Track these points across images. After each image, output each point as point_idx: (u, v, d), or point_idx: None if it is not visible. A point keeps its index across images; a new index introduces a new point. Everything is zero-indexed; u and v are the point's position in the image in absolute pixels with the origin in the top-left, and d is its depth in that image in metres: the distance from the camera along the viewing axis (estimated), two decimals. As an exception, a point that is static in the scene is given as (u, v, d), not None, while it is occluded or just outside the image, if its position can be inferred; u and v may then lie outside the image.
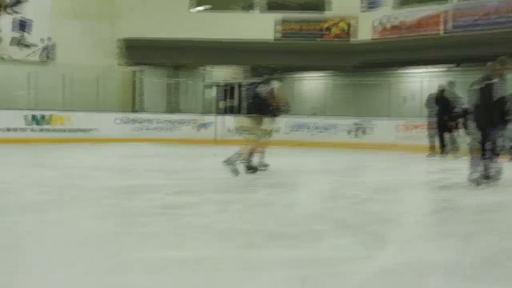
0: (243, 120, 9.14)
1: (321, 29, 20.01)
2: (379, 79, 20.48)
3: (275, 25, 20.04)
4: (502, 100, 7.50)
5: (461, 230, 4.79)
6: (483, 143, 7.63)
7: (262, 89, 8.94)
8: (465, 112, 13.29)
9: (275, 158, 11.89)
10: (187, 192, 6.66)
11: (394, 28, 18.64)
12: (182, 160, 11.97)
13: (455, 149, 13.70)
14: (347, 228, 4.80)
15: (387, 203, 6.38)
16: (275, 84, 9.11)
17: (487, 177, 7.58)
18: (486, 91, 7.54)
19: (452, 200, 6.67)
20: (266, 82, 9.04)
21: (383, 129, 17.74)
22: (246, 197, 6.56)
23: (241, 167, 8.56)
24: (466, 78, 18.52)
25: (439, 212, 6.03)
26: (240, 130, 9.71)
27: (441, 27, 17.54)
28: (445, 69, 19.29)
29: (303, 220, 5.11)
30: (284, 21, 20.04)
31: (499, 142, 7.61)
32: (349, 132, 18.52)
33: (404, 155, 14.02)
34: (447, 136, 13.77)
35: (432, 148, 13.88)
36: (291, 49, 19.82)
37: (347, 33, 19.85)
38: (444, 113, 13.67)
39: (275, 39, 20.04)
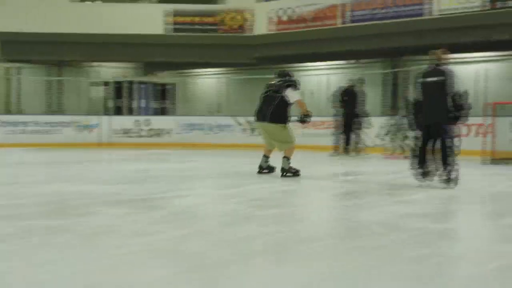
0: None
1: (216, 22, 18.76)
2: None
3: (166, 17, 18.58)
4: (458, 93, 6.75)
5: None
6: (433, 141, 6.94)
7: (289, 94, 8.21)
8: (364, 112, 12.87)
9: (155, 164, 11.02)
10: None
11: (291, 20, 17.72)
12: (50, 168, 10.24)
13: (358, 148, 12.91)
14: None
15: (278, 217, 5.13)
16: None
17: (448, 180, 6.79)
18: (439, 84, 6.77)
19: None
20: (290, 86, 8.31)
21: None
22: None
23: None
24: (369, 72, 18.30)
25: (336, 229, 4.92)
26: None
27: (339, 19, 16.77)
28: (346, 63, 18.66)
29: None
30: (175, 13, 18.61)
31: (455, 140, 6.88)
32: (246, 131, 17.36)
33: (307, 154, 13.05)
34: (353, 134, 12.96)
35: (336, 146, 13.01)
36: (183, 43, 18.42)
37: (243, 26, 18.70)
38: (352, 110, 12.86)
39: (165, 33, 18.57)
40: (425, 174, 7.03)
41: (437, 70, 6.89)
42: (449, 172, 6.76)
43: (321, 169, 10.14)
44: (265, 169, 8.52)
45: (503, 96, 14.55)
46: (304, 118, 8.45)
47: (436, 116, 6.85)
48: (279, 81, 8.38)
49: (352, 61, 18.30)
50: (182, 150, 15.37)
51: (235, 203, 5.66)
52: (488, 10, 14.27)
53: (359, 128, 13.00)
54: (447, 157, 6.75)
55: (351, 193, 6.81)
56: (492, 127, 11.57)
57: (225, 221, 4.67)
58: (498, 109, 11.41)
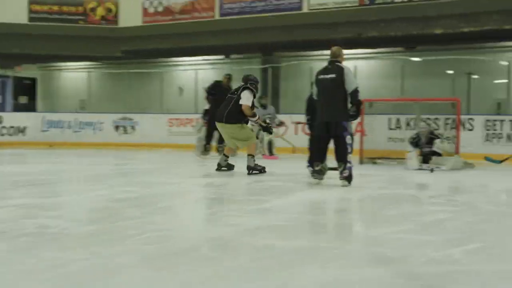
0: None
1: (79, 12, 17.36)
2: (150, 69, 18.58)
3: (30, 4, 16.92)
4: (353, 90, 6.73)
5: None
6: (332, 139, 6.89)
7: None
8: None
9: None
10: None
11: (158, 12, 16.73)
12: None
13: (223, 147, 12.21)
14: None
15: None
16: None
17: (349, 178, 6.77)
18: (338, 79, 6.72)
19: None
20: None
21: (154, 124, 15.82)
22: None
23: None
24: (239, 68, 17.75)
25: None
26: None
27: (209, 12, 16.04)
28: (216, 58, 17.98)
29: None
30: (32, 1, 17.01)
31: (348, 139, 6.84)
32: (116, 128, 16.26)
33: (177, 153, 12.26)
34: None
35: (206, 146, 12.24)
36: (48, 34, 16.85)
37: (114, 15, 17.42)
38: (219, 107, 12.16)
39: (30, 22, 16.90)
40: (321, 172, 6.98)
41: (333, 67, 6.85)
42: (350, 170, 6.75)
43: (185, 171, 9.34)
44: (224, 167, 8.73)
45: (374, 95, 14.56)
46: (266, 128, 9.11)
47: (332, 113, 6.82)
48: (241, 85, 8.69)
49: (223, 56, 17.62)
50: (41, 149, 14.00)
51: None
52: (358, 6, 14.16)
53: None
54: (346, 154, 6.72)
55: (212, 199, 6.06)
56: (361, 125, 11.37)
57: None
58: (366, 106, 11.18)
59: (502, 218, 4.97)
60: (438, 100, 12.06)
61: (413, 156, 10.00)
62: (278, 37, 15.30)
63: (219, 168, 8.77)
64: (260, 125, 9.20)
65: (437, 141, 10.47)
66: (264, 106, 12.08)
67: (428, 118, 12.20)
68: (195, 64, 18.17)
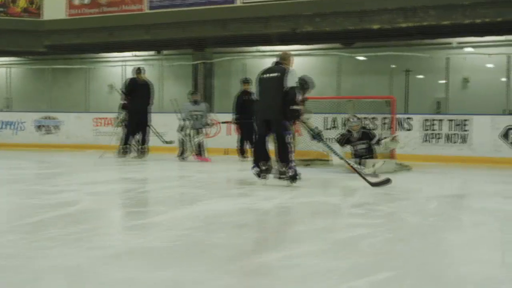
0: None
1: (5, 2, 16.06)
2: (75, 65, 17.45)
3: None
4: (293, 92, 6.61)
5: None
6: (274, 138, 6.83)
7: None
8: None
9: None
10: None
11: (93, 3, 15.60)
12: None
13: (144, 148, 11.32)
14: None
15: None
16: None
17: (293, 177, 6.71)
18: (280, 78, 6.66)
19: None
20: None
21: (80, 124, 14.76)
22: None
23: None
24: (171, 64, 16.85)
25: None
26: None
27: (138, 5, 15.04)
28: (148, 54, 17.00)
29: None
30: None
31: (288, 138, 6.74)
32: (39, 128, 15.15)
33: (103, 154, 11.26)
34: (140, 131, 11.34)
35: (124, 146, 11.30)
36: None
37: (37, 8, 16.17)
38: (142, 104, 11.25)
39: None
40: (268, 171, 6.90)
41: (277, 67, 6.85)
42: (294, 169, 6.70)
43: (92, 176, 8.38)
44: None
45: (311, 93, 13.87)
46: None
47: (272, 111, 6.73)
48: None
49: (154, 52, 16.64)
50: None
51: None
52: (292, 0, 13.44)
53: (146, 125, 11.39)
54: (287, 153, 6.66)
55: (91, 212, 5.15)
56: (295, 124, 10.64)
57: None
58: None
59: (427, 234, 4.25)
60: (372, 98, 11.42)
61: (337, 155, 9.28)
62: (210, 32, 14.45)
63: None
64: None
65: (383, 141, 9.55)
66: (196, 102, 11.16)
67: (365, 118, 11.63)
68: (124, 60, 17.11)
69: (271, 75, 6.82)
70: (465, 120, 11.80)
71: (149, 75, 12.44)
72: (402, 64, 14.45)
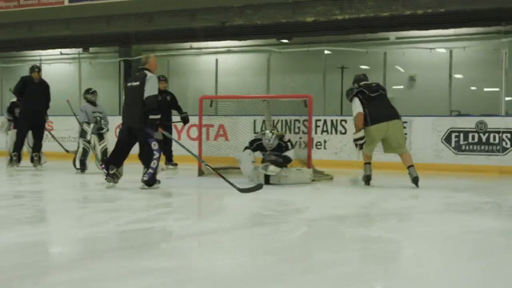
0: None
1: None
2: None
3: None
4: (150, 101, 6.82)
5: None
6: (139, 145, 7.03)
7: None
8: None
9: None
10: None
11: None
12: None
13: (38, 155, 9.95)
14: None
15: None
16: None
17: (148, 183, 6.89)
18: (140, 87, 6.88)
19: None
20: None
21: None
22: None
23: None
24: (99, 60, 15.50)
25: None
26: None
27: (58, -2, 13.74)
28: (74, 52, 15.60)
29: None
30: None
31: (154, 145, 6.95)
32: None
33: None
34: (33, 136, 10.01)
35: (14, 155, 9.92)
36: None
37: None
38: (35, 106, 9.89)
39: None
40: (115, 176, 7.03)
41: (140, 75, 7.00)
42: (150, 175, 6.86)
43: None
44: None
45: (239, 92, 12.67)
46: None
47: (134, 120, 6.93)
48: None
49: (80, 50, 15.24)
50: None
51: None
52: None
53: (41, 129, 10.03)
54: (150, 159, 6.86)
55: None
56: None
57: None
58: (207, 106, 9.16)
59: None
60: (288, 98, 10.12)
61: (245, 162, 7.99)
62: (134, 27, 13.17)
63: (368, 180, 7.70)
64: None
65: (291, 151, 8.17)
66: (92, 103, 9.77)
67: (279, 120, 10.52)
68: (51, 59, 15.74)
69: (133, 84, 7.01)
70: (404, 123, 10.56)
71: (75, 75, 11.07)
72: (337, 61, 13.18)
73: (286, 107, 9.38)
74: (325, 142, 11.06)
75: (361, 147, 7.71)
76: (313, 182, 8.09)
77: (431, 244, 4.09)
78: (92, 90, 9.84)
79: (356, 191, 7.56)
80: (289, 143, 7.97)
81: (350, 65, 13.31)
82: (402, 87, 13.81)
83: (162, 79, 10.20)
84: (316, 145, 11.07)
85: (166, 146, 9.56)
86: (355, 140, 7.72)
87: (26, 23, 13.99)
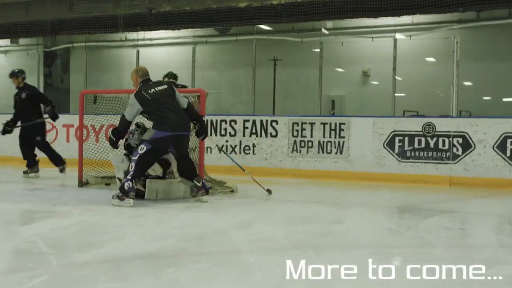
0: None
1: None
2: None
3: None
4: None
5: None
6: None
7: None
8: None
9: None
10: None
11: None
12: None
13: None
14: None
15: None
16: None
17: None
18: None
19: None
20: None
21: None
22: None
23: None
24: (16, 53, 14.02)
25: None
26: None
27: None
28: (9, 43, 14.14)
29: None
30: None
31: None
32: None
33: None
34: None
35: None
36: None
37: None
38: None
39: None
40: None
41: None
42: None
43: None
44: None
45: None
46: None
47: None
48: None
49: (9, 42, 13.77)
50: None
51: None
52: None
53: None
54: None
55: None
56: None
57: None
58: (90, 102, 7.62)
59: None
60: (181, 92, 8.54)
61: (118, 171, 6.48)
62: (52, 14, 11.66)
63: None
64: None
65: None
66: None
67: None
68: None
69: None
70: (342, 124, 9.02)
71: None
72: (270, 52, 11.57)
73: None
74: (254, 146, 9.53)
75: None
76: (200, 197, 6.42)
77: None
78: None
79: (235, 209, 5.97)
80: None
81: (283, 57, 11.65)
82: (357, 83, 12.23)
83: (12, 75, 8.60)
84: (244, 149, 9.56)
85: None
86: None
87: None
